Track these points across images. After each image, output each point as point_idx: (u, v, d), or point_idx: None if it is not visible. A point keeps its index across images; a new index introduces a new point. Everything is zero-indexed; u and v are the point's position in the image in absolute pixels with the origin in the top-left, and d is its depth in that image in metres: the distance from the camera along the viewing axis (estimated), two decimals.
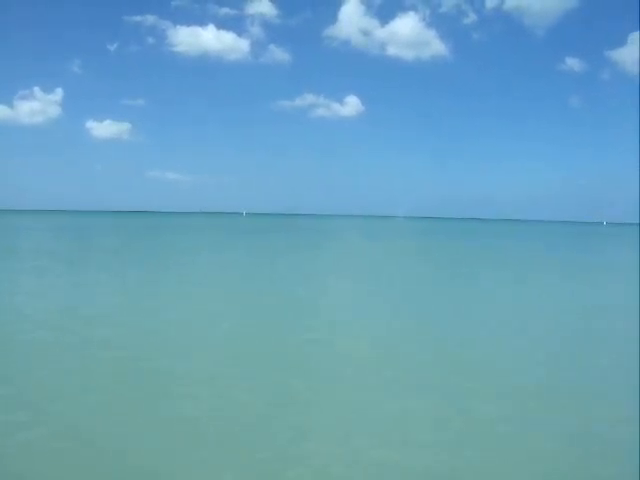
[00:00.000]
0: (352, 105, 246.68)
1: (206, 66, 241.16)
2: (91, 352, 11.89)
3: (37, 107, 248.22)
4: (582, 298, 22.50)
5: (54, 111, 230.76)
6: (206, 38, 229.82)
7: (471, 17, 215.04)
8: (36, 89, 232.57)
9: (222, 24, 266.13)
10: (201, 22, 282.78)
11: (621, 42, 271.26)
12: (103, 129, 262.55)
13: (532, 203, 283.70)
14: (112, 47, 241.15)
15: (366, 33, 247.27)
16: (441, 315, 17.64)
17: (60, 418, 8.18)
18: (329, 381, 10.26)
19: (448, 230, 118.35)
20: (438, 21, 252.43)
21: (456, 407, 8.97)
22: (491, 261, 41.01)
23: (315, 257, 41.65)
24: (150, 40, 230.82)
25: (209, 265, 32.44)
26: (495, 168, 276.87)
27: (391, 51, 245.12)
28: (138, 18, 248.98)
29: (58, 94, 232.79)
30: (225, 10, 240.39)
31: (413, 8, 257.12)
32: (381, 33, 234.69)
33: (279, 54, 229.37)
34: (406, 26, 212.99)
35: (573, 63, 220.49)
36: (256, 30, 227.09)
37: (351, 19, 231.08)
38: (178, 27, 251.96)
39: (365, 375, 10.61)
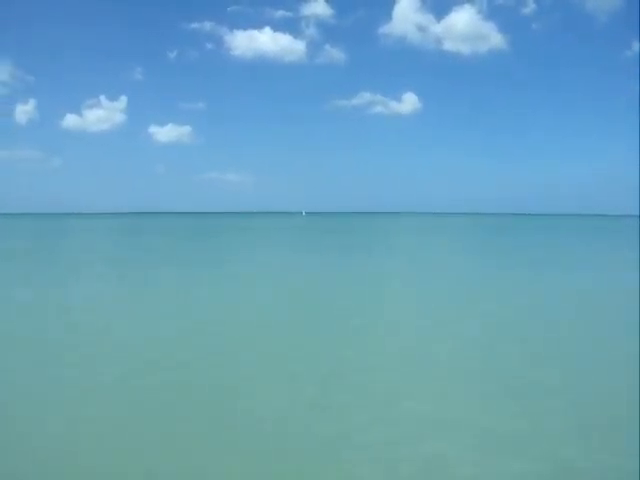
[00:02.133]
0: (409, 102, 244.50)
1: (263, 68, 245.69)
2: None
3: (103, 115, 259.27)
4: None
5: (119, 118, 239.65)
6: (262, 41, 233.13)
7: (530, 6, 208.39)
8: (102, 98, 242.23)
9: (278, 26, 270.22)
10: (257, 26, 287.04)
11: None
12: (165, 133, 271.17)
13: (597, 197, 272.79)
14: (172, 54, 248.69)
15: (421, 29, 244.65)
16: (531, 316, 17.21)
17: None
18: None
19: (517, 226, 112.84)
20: (495, 12, 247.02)
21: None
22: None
23: (390, 256, 41.12)
24: (208, 45, 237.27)
25: (282, 268, 32.35)
26: (558, 164, 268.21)
27: (447, 46, 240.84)
28: (196, 25, 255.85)
29: (122, 101, 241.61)
30: (280, 13, 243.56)
31: (469, 0, 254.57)
32: (437, 28, 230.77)
33: (335, 54, 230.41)
34: (462, 20, 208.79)
35: None
36: (311, 31, 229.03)
37: (406, 15, 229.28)
38: (235, 32, 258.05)
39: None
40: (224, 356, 12.40)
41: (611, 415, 8.71)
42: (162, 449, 7.55)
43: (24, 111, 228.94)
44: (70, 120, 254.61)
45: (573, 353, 12.88)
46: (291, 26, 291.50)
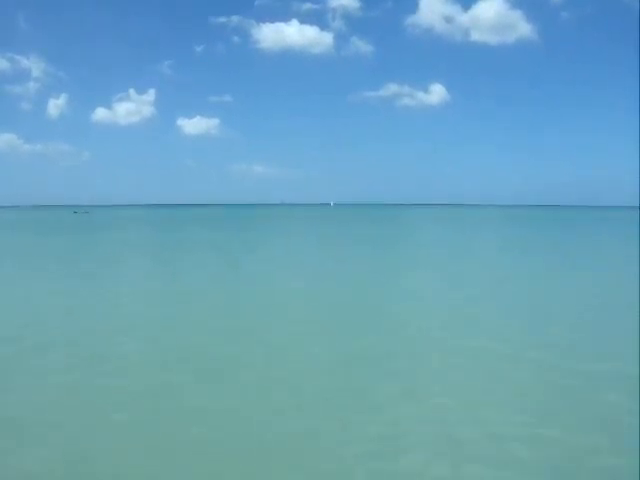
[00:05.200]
0: (437, 93, 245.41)
1: (290, 61, 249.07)
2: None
3: (132, 108, 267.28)
4: None
5: (147, 111, 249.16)
6: (289, 33, 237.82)
7: None
8: (131, 91, 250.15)
9: (305, 19, 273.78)
10: (284, 18, 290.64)
11: None
12: (193, 125, 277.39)
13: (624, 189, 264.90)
14: (199, 48, 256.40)
15: (449, 19, 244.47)
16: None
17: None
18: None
19: (551, 219, 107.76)
20: (522, 1, 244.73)
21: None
22: None
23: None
24: (235, 39, 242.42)
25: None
26: (586, 158, 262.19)
27: (475, 36, 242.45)
28: (223, 19, 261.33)
29: (151, 95, 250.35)
30: (308, 5, 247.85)
31: None
32: (464, 18, 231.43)
33: (362, 45, 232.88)
34: (490, 9, 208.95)
35: None
36: (338, 23, 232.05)
37: (433, 6, 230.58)
38: (262, 25, 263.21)
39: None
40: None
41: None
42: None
43: (56, 105, 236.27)
44: (100, 114, 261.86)
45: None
46: (318, 18, 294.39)
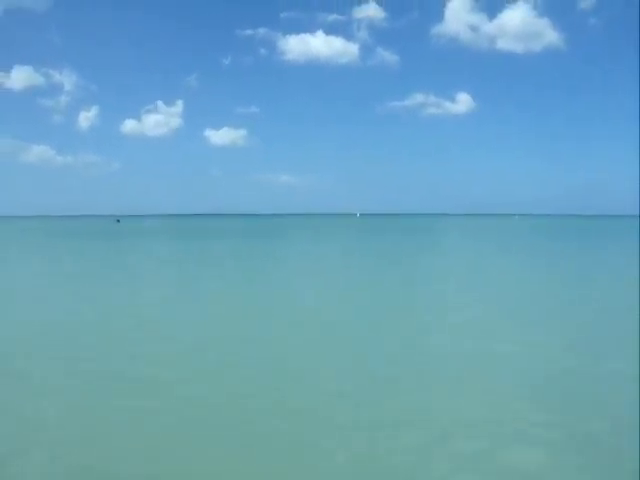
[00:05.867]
0: (463, 102, 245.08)
1: (316, 72, 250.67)
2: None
3: (161, 119, 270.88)
4: None
5: (175, 122, 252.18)
6: (315, 45, 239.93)
7: (587, 1, 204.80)
8: (159, 103, 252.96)
9: (331, 30, 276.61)
10: (310, 30, 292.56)
11: None
12: (220, 136, 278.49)
13: None
14: (226, 60, 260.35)
15: (474, 28, 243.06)
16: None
17: None
18: None
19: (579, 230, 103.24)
20: (550, 8, 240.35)
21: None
22: None
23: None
24: (262, 51, 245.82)
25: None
26: (619, 168, 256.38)
27: (501, 45, 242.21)
28: (249, 32, 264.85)
29: (179, 106, 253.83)
30: (333, 16, 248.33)
31: None
32: (490, 27, 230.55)
33: (387, 55, 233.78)
34: (516, 17, 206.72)
35: None
36: (364, 34, 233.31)
37: (458, 15, 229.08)
38: (288, 37, 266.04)
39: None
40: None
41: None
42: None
43: (86, 118, 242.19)
44: (129, 125, 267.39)
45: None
46: (343, 29, 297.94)
